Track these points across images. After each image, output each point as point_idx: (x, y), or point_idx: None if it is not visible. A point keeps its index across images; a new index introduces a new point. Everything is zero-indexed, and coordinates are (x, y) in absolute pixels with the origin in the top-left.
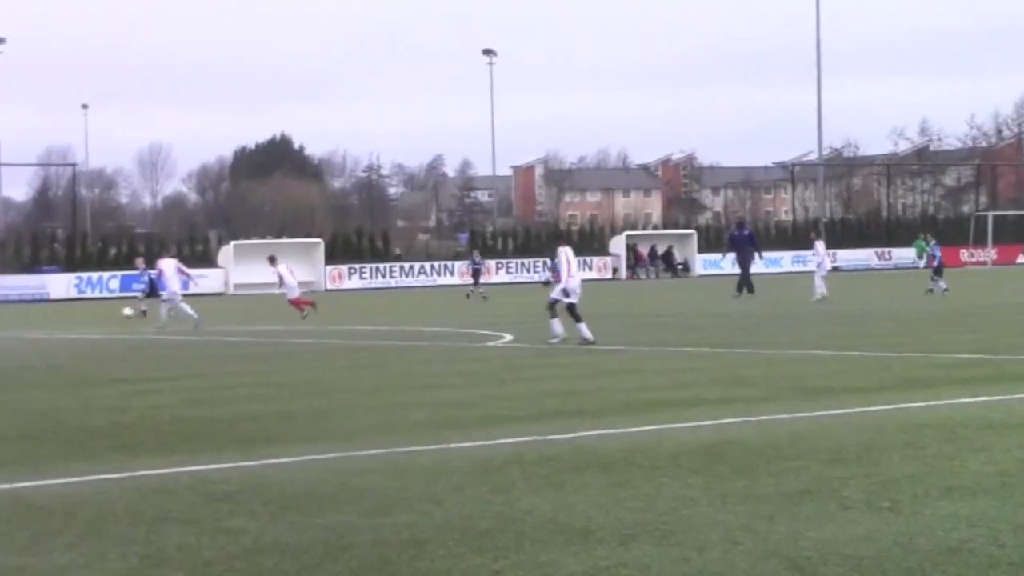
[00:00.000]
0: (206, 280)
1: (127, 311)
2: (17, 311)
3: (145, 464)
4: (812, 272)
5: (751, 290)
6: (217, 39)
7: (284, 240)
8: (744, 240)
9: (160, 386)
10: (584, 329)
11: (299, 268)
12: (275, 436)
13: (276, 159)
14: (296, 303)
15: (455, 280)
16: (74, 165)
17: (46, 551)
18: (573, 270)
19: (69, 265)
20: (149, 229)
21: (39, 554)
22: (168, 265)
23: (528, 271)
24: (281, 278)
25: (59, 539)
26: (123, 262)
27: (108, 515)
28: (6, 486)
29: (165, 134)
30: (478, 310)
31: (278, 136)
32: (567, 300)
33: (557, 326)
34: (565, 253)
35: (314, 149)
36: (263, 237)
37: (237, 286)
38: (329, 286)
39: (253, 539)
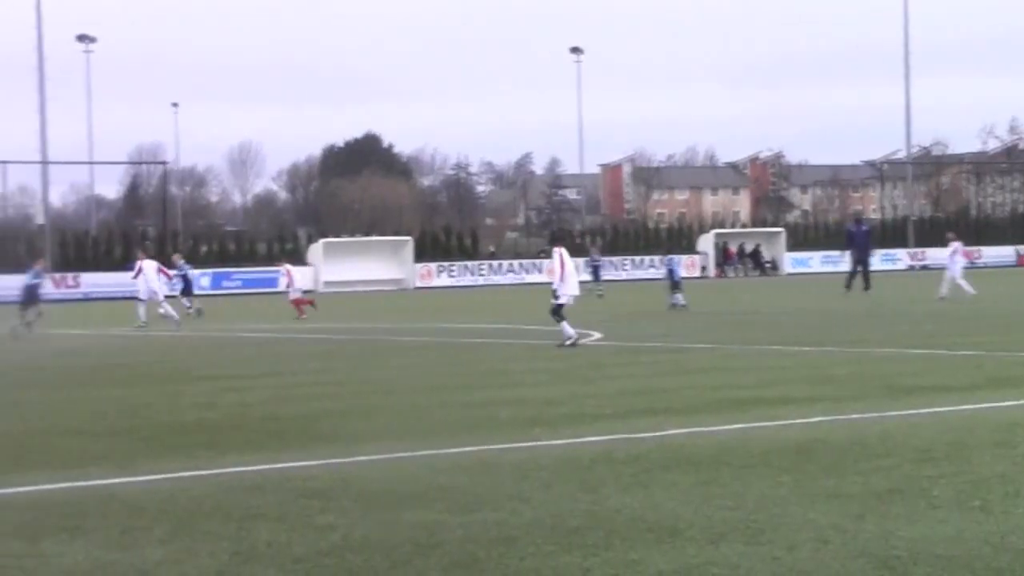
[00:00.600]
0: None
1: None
2: (108, 308)
3: (234, 461)
4: (945, 271)
5: (867, 287)
6: (306, 37)
7: (373, 238)
8: (862, 236)
9: (248, 383)
10: (567, 327)
11: (388, 266)
12: (363, 433)
13: (365, 157)
14: (296, 303)
15: (543, 278)
16: (165, 163)
17: (137, 547)
18: (568, 271)
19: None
20: (239, 227)
21: (131, 549)
22: (149, 266)
23: (616, 269)
24: (291, 278)
25: (150, 535)
26: (214, 260)
27: (198, 511)
28: (98, 482)
29: (255, 132)
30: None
31: (367, 134)
32: (556, 301)
33: (567, 329)
34: (559, 254)
35: (403, 147)
36: (352, 235)
37: (327, 283)
38: (418, 284)
39: (342, 536)
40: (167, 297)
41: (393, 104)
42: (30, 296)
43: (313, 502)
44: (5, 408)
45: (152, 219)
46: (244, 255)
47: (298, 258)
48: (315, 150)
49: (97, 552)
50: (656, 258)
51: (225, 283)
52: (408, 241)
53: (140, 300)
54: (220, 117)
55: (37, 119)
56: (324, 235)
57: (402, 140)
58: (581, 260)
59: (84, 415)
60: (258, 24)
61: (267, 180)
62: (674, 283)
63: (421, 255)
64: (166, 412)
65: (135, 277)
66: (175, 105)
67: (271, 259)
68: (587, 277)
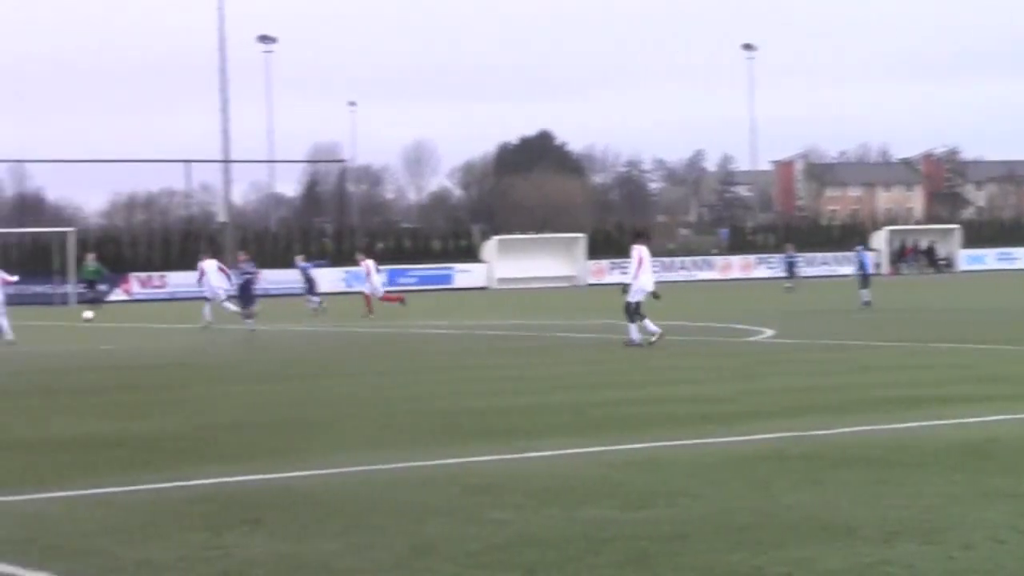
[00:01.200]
0: (469, 275)
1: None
2: (286, 305)
3: (407, 455)
4: None
5: None
6: (481, 36)
7: (546, 235)
8: None
9: (420, 378)
10: (633, 330)
11: (561, 263)
12: (534, 429)
13: (538, 154)
14: (387, 298)
15: (716, 275)
16: (342, 161)
17: (315, 539)
18: (645, 269)
19: (337, 260)
20: (414, 224)
21: (308, 542)
22: (210, 266)
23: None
24: (369, 274)
25: (327, 528)
26: (390, 257)
27: (373, 505)
28: (276, 475)
29: (430, 130)
30: (742, 305)
31: (541, 132)
32: (637, 299)
33: (650, 325)
34: (638, 252)
35: (575, 144)
36: (525, 232)
37: (500, 280)
38: (590, 280)
39: (516, 531)
40: (230, 297)
41: (566, 102)
42: (245, 291)
43: (485, 497)
44: (187, 402)
45: (329, 216)
46: (419, 252)
47: (472, 255)
48: (489, 148)
49: (276, 544)
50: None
51: (401, 280)
52: (581, 238)
53: (206, 300)
54: (396, 115)
55: (219, 118)
56: (498, 232)
57: (575, 137)
58: (771, 256)
59: (257, 409)
60: (434, 23)
61: (442, 177)
62: (864, 277)
63: (593, 252)
64: (343, 406)
65: (199, 280)
66: (352, 104)
67: (446, 256)
68: (782, 273)
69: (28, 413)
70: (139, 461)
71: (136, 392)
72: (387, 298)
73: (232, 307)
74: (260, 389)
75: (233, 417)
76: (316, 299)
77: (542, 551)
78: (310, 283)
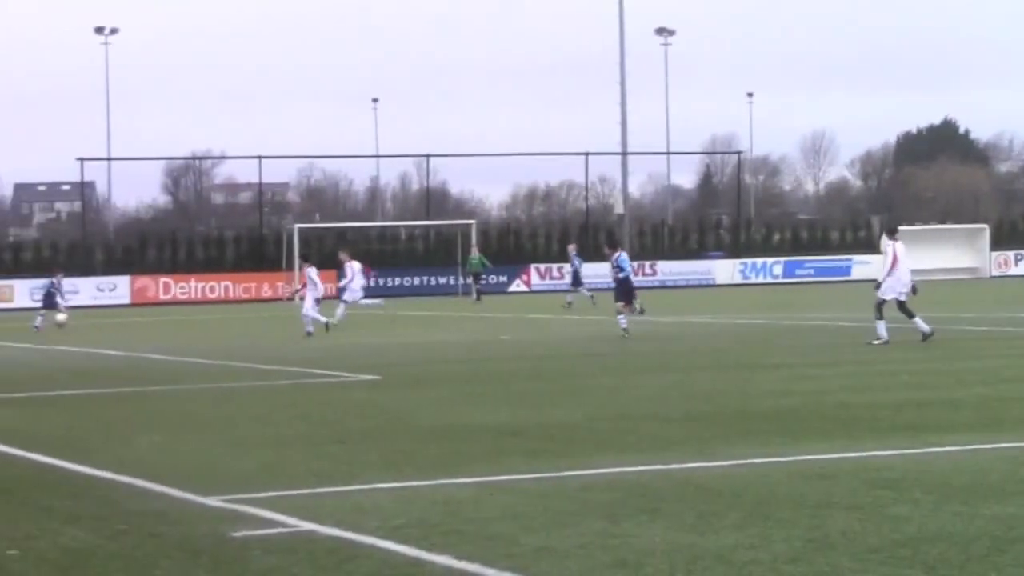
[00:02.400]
0: (868, 267)
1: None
2: (684, 296)
3: (808, 449)
4: None
5: None
6: (879, 24)
7: (948, 226)
8: None
9: (822, 371)
10: (920, 323)
11: (963, 254)
12: (939, 424)
13: (941, 143)
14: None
15: None
16: (740, 153)
17: (712, 531)
18: (901, 267)
19: (733, 251)
20: (811, 215)
21: (706, 534)
22: (356, 267)
23: None
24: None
25: (724, 519)
26: (787, 248)
27: (771, 498)
28: (675, 466)
29: (829, 120)
30: None
31: (944, 120)
32: (887, 297)
33: (880, 328)
34: (892, 248)
35: (980, 133)
36: (926, 223)
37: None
38: (994, 272)
39: (917, 527)
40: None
41: (972, 90)
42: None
43: (886, 492)
44: (588, 393)
45: (726, 208)
46: (817, 243)
47: (871, 246)
48: (890, 137)
49: (673, 534)
50: None
51: (798, 271)
52: (984, 229)
53: (344, 301)
54: (794, 105)
55: (618, 111)
56: (897, 223)
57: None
58: None
59: (658, 400)
60: (835, 11)
61: (840, 168)
62: None
63: (998, 243)
64: (739, 398)
65: (349, 281)
66: (750, 95)
67: (844, 248)
68: None
69: (439, 402)
70: (540, 449)
71: (539, 381)
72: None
73: (370, 301)
74: (658, 381)
75: (629, 407)
76: (585, 291)
77: (944, 548)
78: (576, 276)
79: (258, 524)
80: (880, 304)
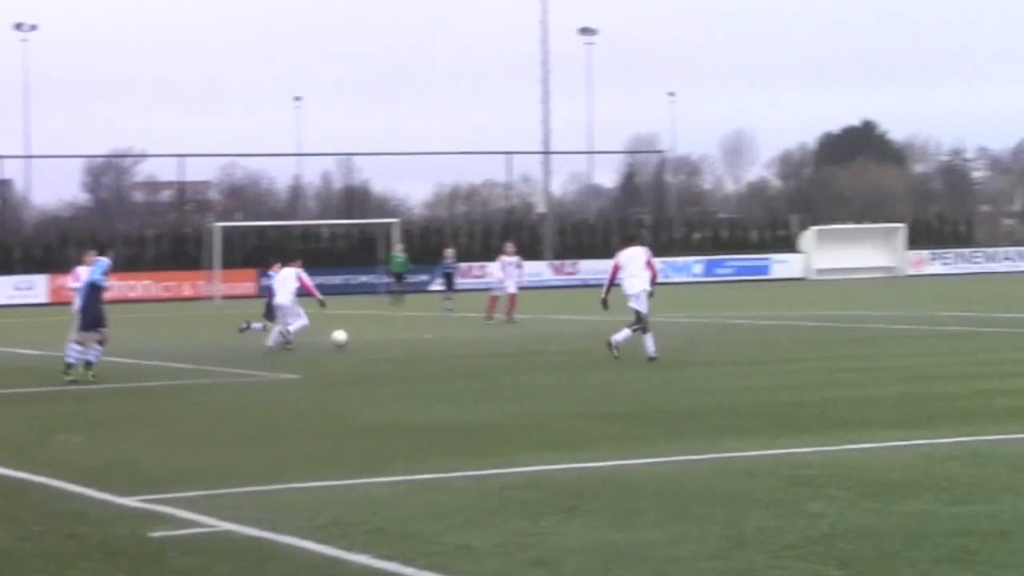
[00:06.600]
0: (786, 265)
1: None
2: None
3: (727, 446)
4: None
5: None
6: (800, 25)
7: (865, 225)
8: None
9: (742, 370)
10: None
11: (880, 253)
12: (857, 421)
13: (860, 144)
14: None
15: None
16: (661, 152)
17: (632, 528)
18: (630, 271)
19: (655, 250)
20: (732, 214)
21: (625, 531)
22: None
23: None
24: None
25: (644, 517)
26: (707, 247)
27: (691, 495)
28: (596, 464)
29: (749, 120)
30: None
31: (863, 121)
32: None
33: (619, 335)
34: (622, 255)
35: (897, 134)
36: (844, 222)
37: (818, 271)
38: (910, 271)
39: (832, 523)
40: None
41: (889, 91)
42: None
43: (803, 489)
44: (510, 391)
45: (647, 207)
46: (737, 242)
47: (790, 245)
48: (809, 138)
49: (592, 532)
50: None
51: (718, 270)
52: (901, 228)
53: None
54: (715, 105)
55: (540, 110)
56: (816, 222)
57: (898, 127)
58: None
59: (582, 399)
60: (756, 13)
61: (760, 167)
62: None
63: (914, 242)
64: (660, 397)
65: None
66: (672, 95)
67: (763, 247)
68: None
69: (361, 402)
70: (463, 448)
71: (462, 380)
72: None
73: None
74: (579, 380)
75: (553, 406)
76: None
77: (858, 544)
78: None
79: (177, 524)
80: None
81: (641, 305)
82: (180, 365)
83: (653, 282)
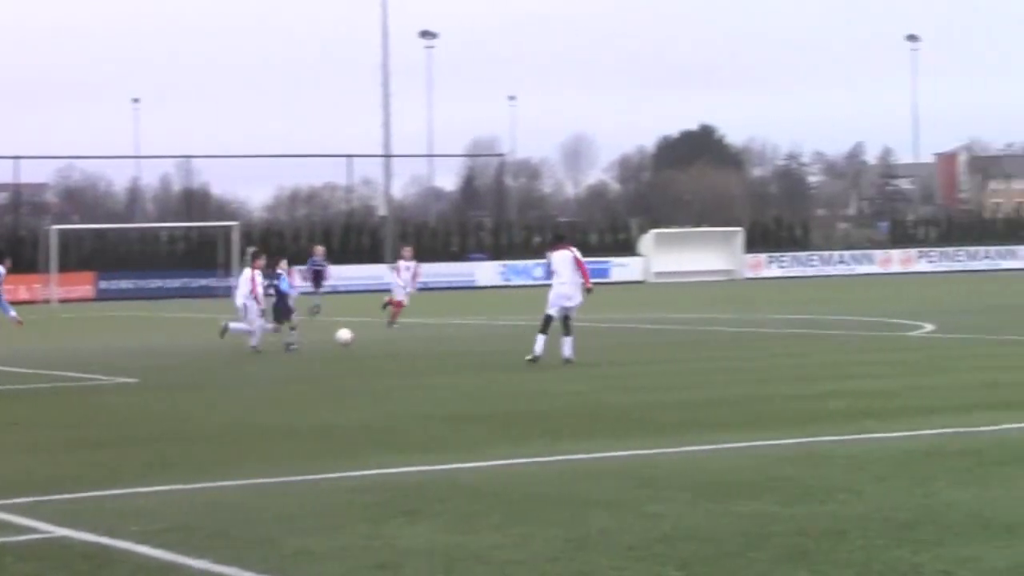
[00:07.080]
0: (626, 269)
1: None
2: (446, 298)
3: (572, 448)
4: None
5: None
6: (640, 29)
7: (704, 228)
8: None
9: (587, 372)
10: (565, 345)
11: (718, 256)
12: (702, 423)
13: (698, 148)
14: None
15: (875, 269)
16: (501, 155)
17: (474, 531)
18: (563, 276)
19: (495, 253)
20: (572, 218)
21: (468, 534)
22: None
23: (951, 260)
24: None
25: (487, 520)
26: (548, 250)
27: (534, 498)
28: (440, 467)
29: (589, 124)
30: (897, 299)
31: (701, 125)
32: (548, 311)
33: (539, 343)
34: (552, 256)
35: (735, 138)
36: (683, 226)
37: (658, 274)
38: (748, 274)
39: (673, 525)
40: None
41: (727, 95)
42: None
43: (645, 491)
44: (358, 395)
45: (488, 210)
46: (576, 245)
47: (629, 249)
48: (648, 142)
49: (435, 535)
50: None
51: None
52: (739, 232)
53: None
54: (555, 110)
55: (381, 114)
56: (655, 226)
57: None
58: (915, 250)
59: (428, 402)
60: (593, 17)
61: (600, 171)
62: None
63: (752, 246)
64: (507, 400)
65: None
66: (512, 98)
67: (603, 250)
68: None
69: (204, 405)
70: (311, 451)
71: (307, 384)
72: None
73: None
74: (426, 383)
75: (400, 409)
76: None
77: (699, 545)
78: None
79: (12, 531)
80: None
81: (572, 306)
82: (15, 369)
83: (585, 280)
